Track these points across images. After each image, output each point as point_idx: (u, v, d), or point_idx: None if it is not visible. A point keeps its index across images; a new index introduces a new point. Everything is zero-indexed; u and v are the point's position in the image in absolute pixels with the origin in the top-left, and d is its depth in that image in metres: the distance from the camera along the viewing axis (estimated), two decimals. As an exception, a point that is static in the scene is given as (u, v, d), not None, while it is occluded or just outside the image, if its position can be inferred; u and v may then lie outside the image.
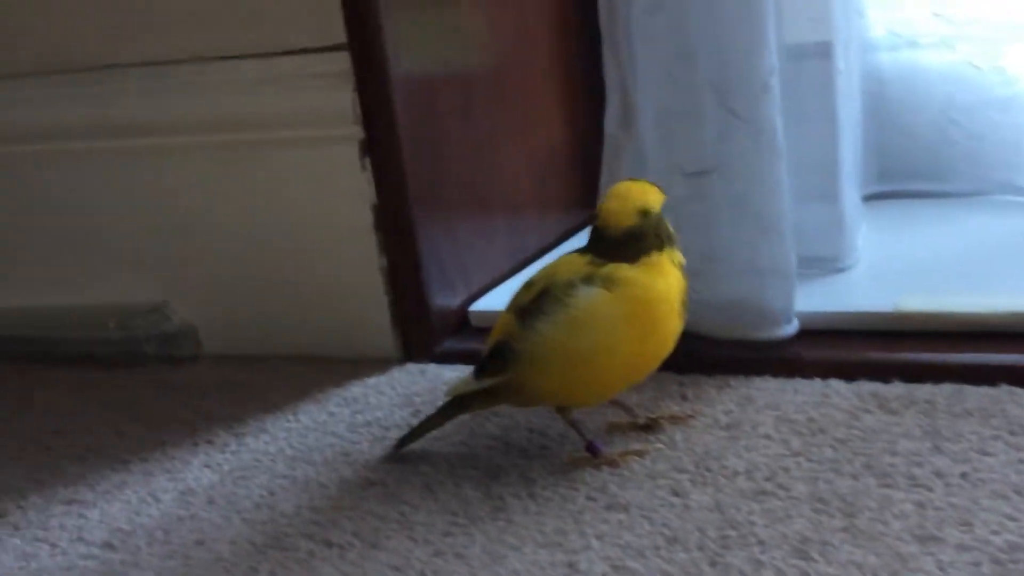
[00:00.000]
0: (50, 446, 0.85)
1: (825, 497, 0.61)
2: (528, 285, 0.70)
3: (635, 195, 0.69)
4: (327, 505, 0.70)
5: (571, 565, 0.60)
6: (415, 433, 0.74)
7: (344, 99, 0.86)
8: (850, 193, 0.86)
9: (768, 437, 0.69)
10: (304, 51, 0.88)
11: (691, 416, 0.72)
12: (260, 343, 0.95)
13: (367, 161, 0.87)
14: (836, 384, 0.73)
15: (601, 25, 0.85)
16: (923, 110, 0.97)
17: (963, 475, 0.61)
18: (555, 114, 1.04)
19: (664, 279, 0.67)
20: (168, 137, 0.94)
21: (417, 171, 0.87)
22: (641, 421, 0.73)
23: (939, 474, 0.62)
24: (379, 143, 0.86)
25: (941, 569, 0.54)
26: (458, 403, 0.72)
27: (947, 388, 0.70)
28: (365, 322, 0.90)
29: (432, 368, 0.87)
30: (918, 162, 0.98)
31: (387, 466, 0.73)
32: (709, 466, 0.67)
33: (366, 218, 0.88)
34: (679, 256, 0.69)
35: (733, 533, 0.60)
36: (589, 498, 0.66)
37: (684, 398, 0.75)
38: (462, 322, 0.91)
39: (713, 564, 0.58)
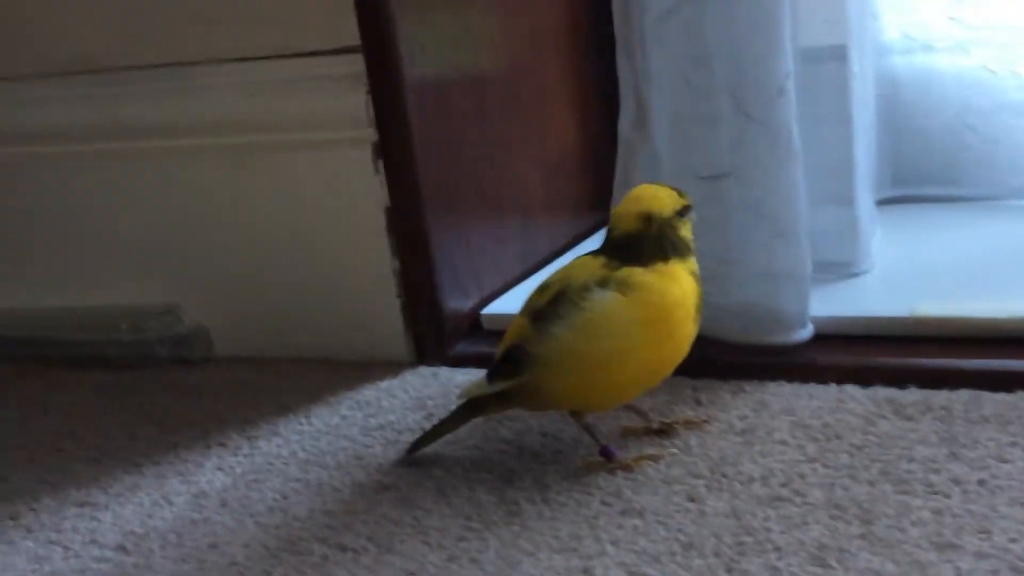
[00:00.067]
0: (62, 448, 0.84)
1: (842, 504, 0.61)
2: (542, 288, 0.70)
3: (643, 200, 0.68)
4: (341, 509, 0.69)
5: (586, 571, 0.59)
6: (428, 437, 0.74)
7: (357, 102, 0.86)
8: (865, 197, 0.86)
9: (784, 443, 0.68)
10: (317, 53, 0.88)
11: (706, 421, 0.72)
12: (272, 345, 0.95)
13: (380, 164, 0.87)
14: (851, 389, 0.73)
15: (616, 29, 0.85)
16: (938, 114, 0.96)
17: (981, 482, 0.61)
18: (568, 117, 1.04)
19: (679, 285, 0.67)
20: (181, 139, 0.94)
21: (430, 174, 0.87)
22: (655, 426, 0.72)
23: (956, 481, 0.61)
24: (392, 146, 0.86)
25: (960, 577, 0.54)
26: (471, 407, 0.72)
27: (964, 394, 0.70)
28: (377, 325, 0.90)
29: (444, 371, 0.87)
30: (933, 166, 0.98)
31: (400, 470, 0.73)
32: (724, 472, 0.66)
33: (379, 221, 0.88)
34: (694, 265, 0.69)
35: (749, 539, 0.59)
36: (604, 503, 0.65)
37: (698, 403, 0.75)
38: (474, 325, 0.91)
39: (729, 570, 0.57)
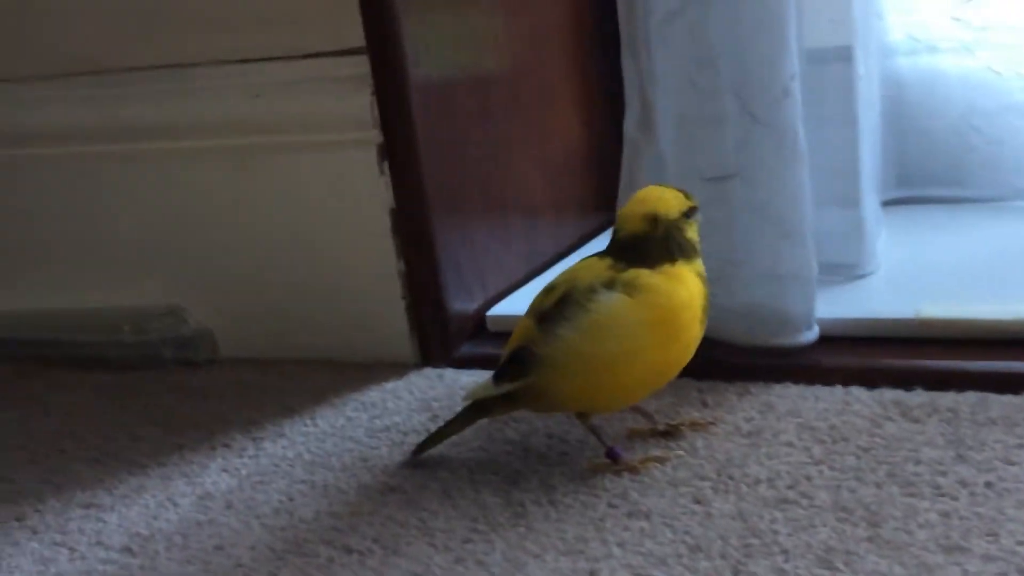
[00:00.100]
0: (66, 449, 0.84)
1: (849, 506, 0.61)
2: (549, 289, 0.70)
3: (649, 201, 0.68)
4: (346, 511, 0.69)
5: (592, 573, 0.59)
6: (434, 438, 0.74)
7: (362, 103, 0.86)
8: (870, 199, 0.86)
9: (790, 445, 0.68)
10: (322, 55, 0.87)
11: (712, 423, 0.72)
12: (276, 347, 0.95)
13: (385, 165, 0.87)
14: (857, 391, 0.73)
15: (620, 30, 0.85)
16: (943, 115, 0.96)
17: (988, 484, 0.61)
18: (572, 118, 1.04)
19: (686, 286, 0.67)
20: (185, 140, 0.94)
21: (435, 175, 0.87)
22: (661, 428, 0.72)
23: (964, 483, 0.61)
24: (397, 147, 0.86)
25: (968, 580, 0.54)
26: (477, 408, 0.72)
27: (970, 396, 0.70)
28: (382, 326, 0.89)
29: (450, 373, 0.87)
30: (938, 168, 0.97)
31: (406, 471, 0.73)
32: (731, 474, 0.66)
33: (383, 222, 0.88)
34: (700, 266, 0.68)
35: (756, 542, 0.59)
36: (610, 505, 0.65)
37: (704, 404, 0.75)
38: (479, 326, 0.91)
39: (736, 573, 0.57)
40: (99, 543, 0.71)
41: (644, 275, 0.67)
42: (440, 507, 0.68)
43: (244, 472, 0.77)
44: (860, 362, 0.75)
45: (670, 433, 0.72)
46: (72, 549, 0.70)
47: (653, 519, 0.63)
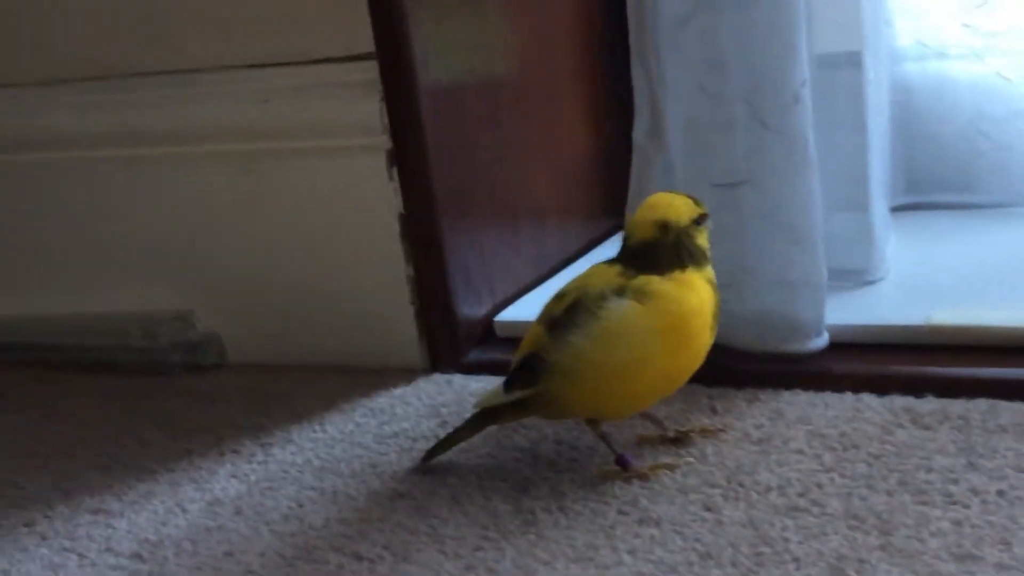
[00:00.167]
0: (75, 455, 0.84)
1: (860, 514, 0.61)
2: (559, 296, 0.70)
3: (660, 208, 0.68)
4: (356, 517, 0.69)
5: (604, 581, 0.59)
6: (443, 445, 0.73)
7: (371, 109, 0.86)
8: (879, 204, 0.86)
9: (800, 452, 0.68)
10: (331, 60, 0.88)
11: (721, 430, 0.72)
12: (285, 352, 0.95)
13: (394, 171, 0.87)
14: (868, 398, 0.73)
15: (630, 36, 0.85)
16: (951, 121, 0.96)
17: (1000, 492, 0.61)
18: (581, 123, 1.04)
19: (696, 293, 0.67)
20: (193, 145, 0.94)
21: (444, 181, 0.87)
22: (671, 434, 0.72)
23: (975, 491, 0.61)
24: (406, 153, 0.86)
25: (980, 588, 0.54)
26: (486, 415, 0.72)
27: (981, 403, 0.70)
28: (391, 332, 0.89)
29: (458, 378, 0.87)
30: (946, 173, 0.97)
31: (415, 478, 0.73)
32: (741, 481, 0.66)
33: (392, 228, 0.88)
34: (711, 273, 0.68)
35: (767, 550, 0.59)
36: (620, 512, 0.65)
37: (714, 411, 0.75)
38: (488, 332, 0.91)
39: (748, 581, 0.57)
40: (108, 549, 0.71)
41: (654, 282, 0.67)
42: (450, 514, 0.68)
43: (253, 478, 0.77)
44: (870, 369, 0.75)
45: (680, 440, 0.72)
46: (81, 555, 0.70)
47: (663, 526, 0.63)
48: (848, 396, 0.73)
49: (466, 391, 0.84)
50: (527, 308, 0.91)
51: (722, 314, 0.69)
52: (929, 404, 0.71)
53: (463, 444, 0.74)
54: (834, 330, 0.77)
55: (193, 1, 0.91)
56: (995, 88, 0.95)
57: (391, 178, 0.87)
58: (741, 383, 0.77)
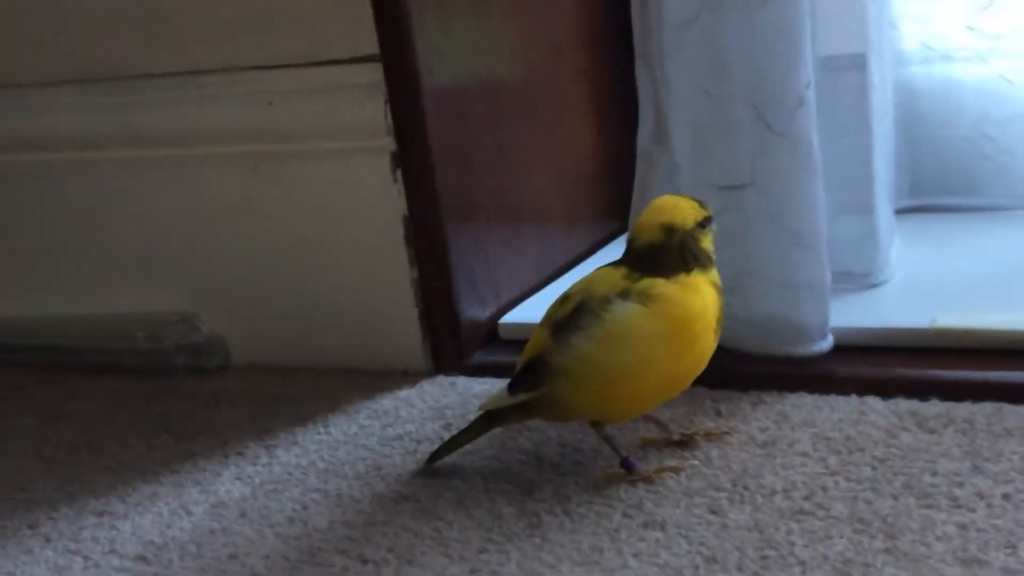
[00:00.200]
0: (80, 457, 0.84)
1: (865, 517, 0.61)
2: (563, 299, 0.70)
3: (665, 211, 0.68)
4: (360, 520, 0.69)
5: (609, 584, 0.59)
6: (447, 447, 0.73)
7: (376, 111, 0.86)
8: (884, 208, 0.86)
9: (805, 455, 0.68)
10: (335, 62, 0.87)
11: (726, 433, 0.72)
12: (289, 354, 0.95)
13: (398, 173, 0.87)
14: (872, 401, 0.73)
15: (634, 39, 0.85)
16: (956, 124, 0.96)
17: (1005, 496, 0.61)
18: (585, 125, 1.04)
19: (701, 296, 0.67)
20: (198, 147, 0.94)
21: (448, 183, 0.87)
22: (675, 437, 0.72)
23: (981, 495, 0.61)
24: (411, 155, 0.86)
25: (986, 593, 0.54)
26: (491, 417, 0.72)
27: (986, 407, 0.70)
28: (395, 334, 0.89)
29: (462, 381, 0.87)
30: (951, 176, 0.97)
31: (420, 480, 0.73)
32: (746, 484, 0.66)
33: (396, 230, 0.88)
34: (716, 276, 0.68)
35: (773, 553, 0.59)
36: (625, 515, 0.65)
37: (718, 414, 0.75)
38: (491, 334, 0.91)
39: (753, 585, 0.57)
40: (113, 551, 0.71)
41: (659, 285, 0.67)
42: (454, 516, 0.68)
43: (257, 480, 0.77)
44: (875, 372, 0.75)
45: (684, 443, 0.72)
46: (86, 557, 0.70)
47: (668, 530, 0.63)
48: (853, 399, 0.73)
49: (470, 393, 0.84)
50: (531, 310, 0.91)
51: (726, 317, 0.69)
52: (934, 407, 0.71)
53: (467, 446, 0.74)
54: (839, 333, 0.77)
55: (197, 2, 0.91)
56: (1000, 91, 0.95)
57: (395, 180, 0.87)
58: (745, 386, 0.77)
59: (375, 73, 0.85)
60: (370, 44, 0.85)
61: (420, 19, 0.83)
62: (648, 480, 0.68)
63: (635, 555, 0.61)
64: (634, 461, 0.69)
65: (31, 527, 0.75)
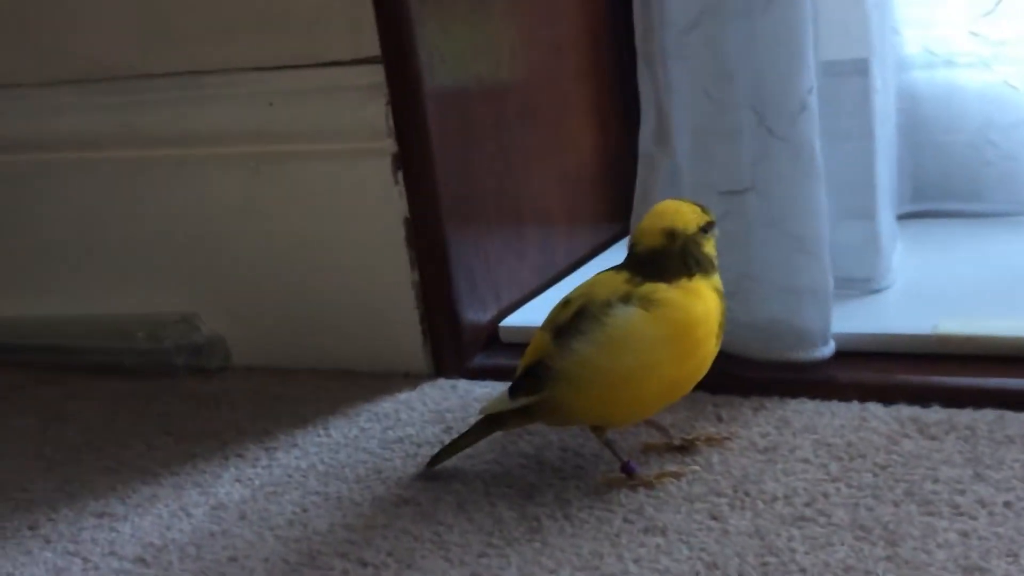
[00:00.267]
0: (80, 458, 0.84)
1: (867, 524, 0.61)
2: (565, 303, 0.70)
3: (667, 216, 0.68)
4: (360, 523, 0.69)
5: (609, 590, 0.59)
6: (448, 450, 0.73)
7: (377, 112, 0.86)
8: (886, 213, 0.86)
9: (807, 461, 0.68)
10: (337, 63, 0.87)
11: (727, 438, 0.72)
12: (289, 356, 0.95)
13: (399, 175, 0.86)
14: (874, 408, 0.72)
15: (637, 42, 0.85)
16: (959, 130, 0.96)
17: (1007, 504, 0.61)
18: (587, 128, 1.04)
19: (702, 301, 0.67)
20: (199, 148, 0.94)
21: (449, 185, 0.87)
22: (676, 442, 0.72)
23: (982, 503, 0.61)
24: (412, 157, 0.86)
25: (988, 601, 0.54)
26: (491, 421, 0.72)
27: (988, 414, 0.69)
28: (396, 336, 0.89)
29: (463, 384, 0.87)
30: (954, 181, 0.97)
31: (420, 484, 0.73)
32: (747, 490, 0.66)
33: (397, 232, 0.87)
34: (718, 281, 0.68)
35: (773, 560, 0.59)
36: (626, 520, 0.65)
37: (719, 419, 0.75)
38: (492, 338, 0.91)
39: (754, 591, 0.57)
40: (112, 553, 0.71)
41: (661, 290, 0.67)
42: (455, 520, 0.68)
43: (257, 482, 0.76)
44: (877, 378, 0.75)
45: (685, 448, 0.72)
46: (85, 559, 0.70)
47: (669, 535, 0.63)
48: (854, 405, 0.73)
49: (471, 396, 0.84)
50: (532, 314, 0.91)
51: (728, 322, 0.69)
52: (936, 414, 0.71)
53: (468, 450, 0.74)
54: (840, 338, 0.77)
55: (198, 3, 0.91)
56: (1003, 97, 0.94)
57: (396, 182, 0.87)
58: (747, 391, 0.77)
59: (376, 75, 0.85)
60: (371, 46, 0.85)
61: (421, 21, 0.83)
62: (649, 485, 0.68)
63: (635, 561, 0.61)
64: (635, 466, 0.69)
65: (31, 528, 0.75)
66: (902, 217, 0.93)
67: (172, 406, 0.91)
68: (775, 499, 0.65)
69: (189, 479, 0.78)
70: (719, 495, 0.66)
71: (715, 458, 0.70)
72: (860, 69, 0.84)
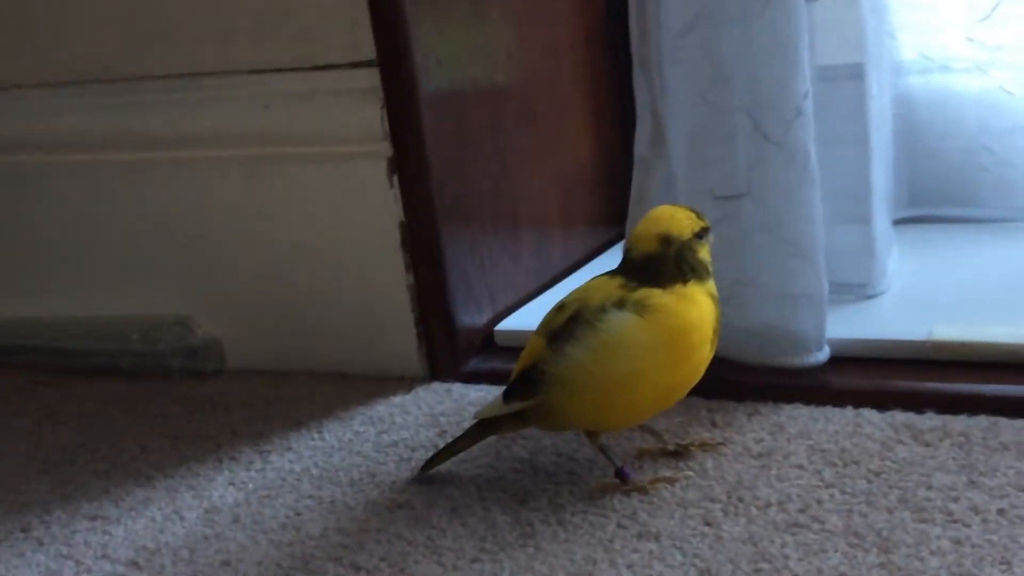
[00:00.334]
0: (75, 459, 0.84)
1: (860, 531, 0.61)
2: (559, 308, 0.70)
3: (662, 221, 0.68)
4: (354, 527, 0.69)
5: (602, 595, 0.59)
6: (442, 455, 0.73)
7: (372, 116, 0.86)
8: (881, 218, 0.85)
9: (800, 467, 0.68)
10: (333, 67, 0.87)
11: (721, 443, 0.72)
12: (284, 359, 0.95)
13: (395, 178, 0.86)
14: (868, 414, 0.72)
15: (632, 46, 0.85)
16: (954, 135, 0.96)
17: (1000, 511, 0.61)
18: (583, 132, 1.04)
19: (697, 307, 0.67)
20: (195, 150, 0.94)
21: (445, 188, 0.87)
22: (671, 447, 0.72)
23: (976, 510, 0.61)
24: (407, 160, 0.86)
25: (980, 609, 0.54)
26: (485, 425, 0.72)
27: (982, 420, 0.69)
28: (391, 340, 0.89)
29: (458, 387, 0.86)
30: (949, 187, 0.97)
31: (414, 488, 0.73)
32: (741, 496, 0.66)
33: (393, 235, 0.87)
34: (712, 287, 0.68)
35: (767, 566, 0.59)
36: (619, 526, 0.65)
37: (714, 424, 0.74)
38: (487, 341, 0.91)
39: (747, 598, 0.57)
40: (105, 556, 0.70)
41: (655, 295, 0.67)
42: (448, 525, 0.68)
43: (251, 486, 0.76)
44: (871, 383, 0.75)
45: (679, 453, 0.72)
46: (78, 562, 0.70)
47: (663, 541, 0.63)
48: (849, 411, 0.73)
49: (465, 400, 0.84)
50: (527, 317, 0.90)
51: (723, 327, 0.69)
52: (930, 420, 0.71)
53: (462, 454, 0.74)
54: (835, 344, 0.77)
55: (196, 5, 0.91)
56: (999, 102, 0.94)
57: (391, 185, 0.86)
58: (741, 396, 0.77)
59: (372, 78, 0.85)
60: (368, 49, 0.85)
61: (417, 24, 0.83)
62: (643, 490, 0.68)
63: (629, 566, 0.61)
64: (629, 471, 0.69)
65: (24, 530, 0.75)
66: (898, 222, 0.93)
67: (167, 408, 0.91)
68: (769, 505, 0.65)
69: (183, 482, 0.78)
70: (713, 501, 0.66)
71: (709, 463, 0.70)
72: (856, 74, 0.84)
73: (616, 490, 0.69)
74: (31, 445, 0.88)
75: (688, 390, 0.69)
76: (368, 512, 0.71)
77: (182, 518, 0.74)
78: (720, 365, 0.73)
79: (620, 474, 0.69)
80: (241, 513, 0.73)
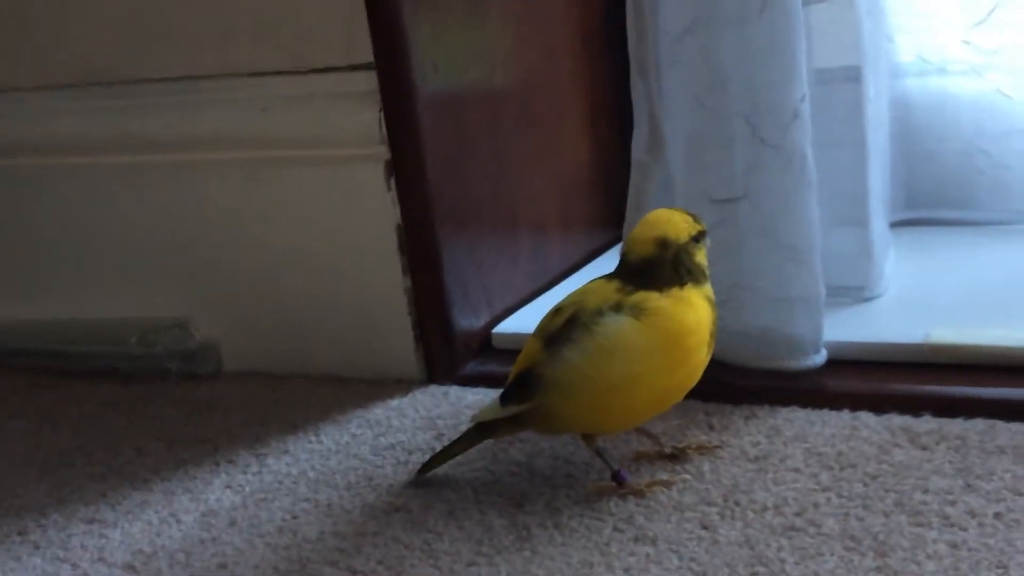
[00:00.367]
0: (72, 463, 0.84)
1: (857, 535, 0.61)
2: (556, 311, 0.70)
3: (659, 225, 0.68)
4: (351, 531, 0.69)
5: (598, 599, 0.59)
6: (439, 458, 0.73)
7: (370, 118, 0.86)
8: (879, 221, 0.85)
9: (797, 470, 0.68)
10: (330, 69, 0.87)
11: (718, 447, 0.72)
12: (282, 362, 0.95)
13: (392, 181, 0.86)
14: (865, 417, 0.72)
15: (630, 50, 0.85)
16: (951, 138, 0.96)
17: (997, 515, 0.61)
18: (581, 135, 1.04)
19: (694, 311, 0.67)
20: (193, 153, 0.94)
21: (442, 191, 0.87)
22: (667, 451, 0.72)
23: (972, 513, 0.61)
24: (405, 163, 0.86)
25: (976, 613, 0.54)
26: (482, 428, 0.72)
27: (979, 423, 0.69)
28: (388, 343, 0.89)
29: (455, 391, 0.86)
30: (946, 190, 0.97)
31: (411, 491, 0.73)
32: (738, 499, 0.66)
33: (390, 238, 0.87)
34: (709, 290, 0.68)
35: (763, 570, 0.59)
36: (616, 529, 0.65)
37: (711, 427, 0.74)
38: (485, 344, 0.91)
39: (743, 602, 0.57)
40: (101, 559, 0.70)
41: (652, 298, 0.67)
42: (445, 528, 0.68)
43: (248, 489, 0.76)
44: (868, 387, 0.75)
45: (676, 456, 0.72)
46: (75, 565, 0.70)
47: (659, 544, 0.63)
48: (846, 414, 0.73)
49: (462, 403, 0.84)
50: (525, 320, 0.90)
51: (720, 330, 0.69)
52: (927, 424, 0.71)
53: (459, 458, 0.74)
54: (832, 347, 0.77)
55: (195, 8, 0.91)
56: (995, 105, 0.94)
57: (389, 188, 0.86)
58: (738, 399, 0.77)
59: (370, 81, 0.85)
60: (365, 52, 0.85)
61: (415, 27, 0.83)
62: (639, 494, 0.68)
63: (625, 570, 0.61)
64: (625, 474, 0.69)
65: (20, 533, 0.75)
66: (895, 225, 0.93)
67: (164, 412, 0.91)
68: (765, 509, 0.65)
69: (180, 485, 0.78)
70: (709, 504, 0.66)
71: (706, 467, 0.70)
72: (852, 76, 0.84)
73: (613, 493, 0.69)
74: (29, 447, 0.88)
75: (685, 393, 0.69)
76: (365, 515, 0.71)
77: (179, 521, 0.74)
78: (717, 368, 0.73)
79: (617, 477, 0.69)
80: (238, 516, 0.73)
